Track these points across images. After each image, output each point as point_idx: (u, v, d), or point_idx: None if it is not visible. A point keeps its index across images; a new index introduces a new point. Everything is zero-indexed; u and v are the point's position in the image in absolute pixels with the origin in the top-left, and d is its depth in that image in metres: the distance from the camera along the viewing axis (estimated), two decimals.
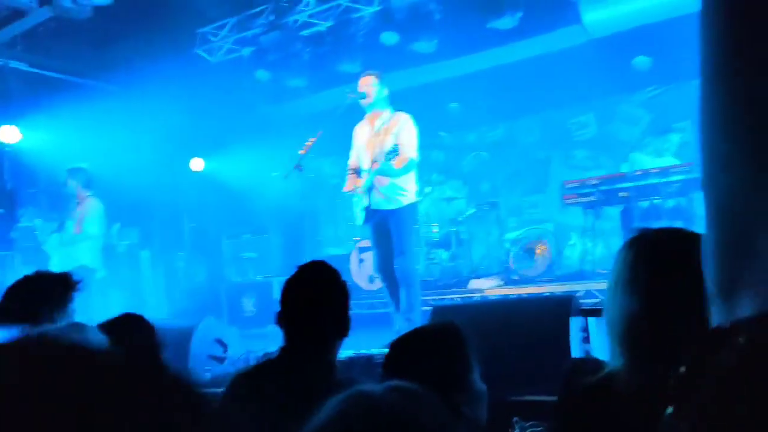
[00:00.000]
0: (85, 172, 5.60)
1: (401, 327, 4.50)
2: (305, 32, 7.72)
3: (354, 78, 5.13)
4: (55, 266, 5.24)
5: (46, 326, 1.64)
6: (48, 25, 6.51)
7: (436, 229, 7.54)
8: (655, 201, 6.01)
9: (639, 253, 1.26)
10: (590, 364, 1.45)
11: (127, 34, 7.29)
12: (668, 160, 6.37)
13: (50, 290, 1.97)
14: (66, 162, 5.91)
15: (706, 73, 0.60)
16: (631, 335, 1.23)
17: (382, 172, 4.64)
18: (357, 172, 5.00)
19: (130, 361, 0.48)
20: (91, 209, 5.42)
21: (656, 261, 1.24)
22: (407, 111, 4.97)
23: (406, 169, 4.68)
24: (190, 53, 8.08)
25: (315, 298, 1.76)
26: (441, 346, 1.51)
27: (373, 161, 4.76)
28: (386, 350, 1.59)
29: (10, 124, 6.54)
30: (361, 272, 7.15)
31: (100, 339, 1.64)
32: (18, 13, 6.38)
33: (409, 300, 4.68)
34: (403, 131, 4.72)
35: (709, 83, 0.60)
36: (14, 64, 6.88)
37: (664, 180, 5.87)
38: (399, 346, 1.54)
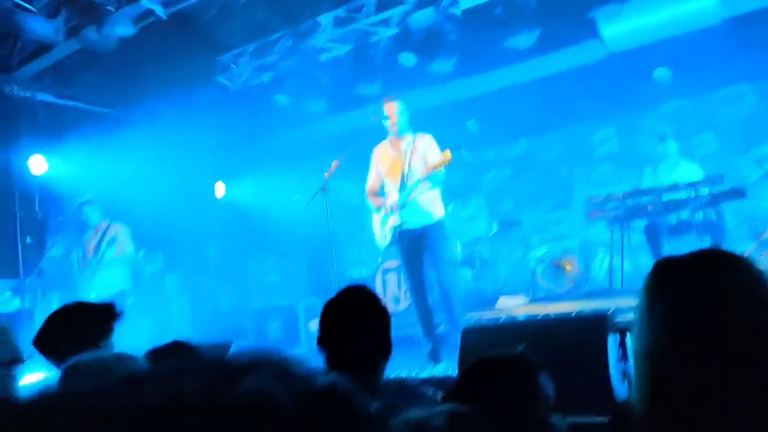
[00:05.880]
0: (100, 201, 5.67)
1: (441, 349, 4.52)
2: (324, 57, 7.80)
3: (373, 100, 5.19)
4: (87, 293, 5.30)
5: (91, 355, 1.65)
6: (74, 57, 6.65)
7: (459, 249, 7.50)
8: (682, 215, 5.91)
9: (657, 281, 1.14)
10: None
11: (150, 64, 7.42)
12: (691, 169, 6.26)
13: (94, 321, 1.99)
14: (92, 190, 6.00)
15: None
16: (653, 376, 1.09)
17: (432, 179, 4.69)
18: (379, 193, 5.01)
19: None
20: (120, 233, 5.49)
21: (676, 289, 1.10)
22: (428, 130, 5.03)
23: (439, 181, 4.78)
24: (211, 81, 8.21)
25: (358, 321, 1.75)
26: (509, 379, 1.48)
27: (405, 179, 4.80)
28: (415, 373, 1.56)
29: (39, 154, 6.66)
30: (386, 294, 7.12)
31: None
32: (45, 47, 6.54)
33: (451, 316, 4.72)
34: (430, 149, 4.82)
35: None
36: (42, 96, 7.03)
37: (692, 194, 5.75)
38: (467, 375, 1.52)
